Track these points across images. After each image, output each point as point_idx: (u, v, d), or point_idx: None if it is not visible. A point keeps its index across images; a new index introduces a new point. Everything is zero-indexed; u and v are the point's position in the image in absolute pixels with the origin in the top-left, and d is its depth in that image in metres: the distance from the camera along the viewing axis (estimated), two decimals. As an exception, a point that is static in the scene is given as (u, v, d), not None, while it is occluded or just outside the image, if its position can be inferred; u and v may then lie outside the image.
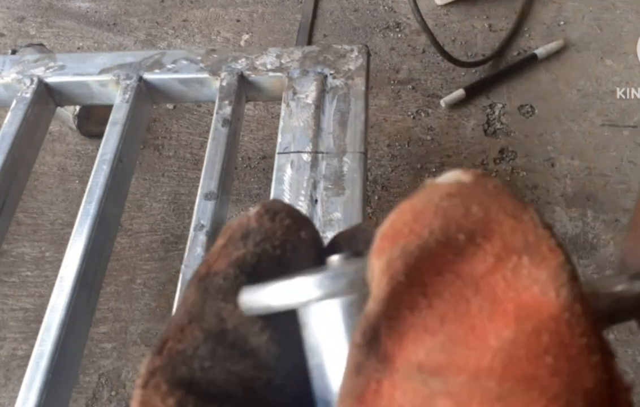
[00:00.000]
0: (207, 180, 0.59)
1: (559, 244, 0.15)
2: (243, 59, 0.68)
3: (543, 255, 0.14)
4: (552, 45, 1.00)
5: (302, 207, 0.55)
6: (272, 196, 0.56)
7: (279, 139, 0.60)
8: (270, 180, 0.58)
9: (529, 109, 0.94)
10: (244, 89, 0.68)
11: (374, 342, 0.14)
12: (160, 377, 0.16)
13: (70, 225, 0.58)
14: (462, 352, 0.13)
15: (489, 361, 0.13)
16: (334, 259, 0.19)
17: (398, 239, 0.15)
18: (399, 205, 0.16)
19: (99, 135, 0.66)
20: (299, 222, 0.20)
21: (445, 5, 1.09)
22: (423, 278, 0.15)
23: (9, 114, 0.66)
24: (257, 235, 0.19)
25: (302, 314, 0.18)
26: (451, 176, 0.17)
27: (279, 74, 0.66)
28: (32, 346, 0.51)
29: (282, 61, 0.67)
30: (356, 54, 0.67)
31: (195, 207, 0.57)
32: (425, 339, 0.14)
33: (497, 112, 0.94)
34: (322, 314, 0.17)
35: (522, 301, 0.14)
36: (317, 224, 0.53)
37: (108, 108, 0.67)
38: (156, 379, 0.16)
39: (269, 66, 0.67)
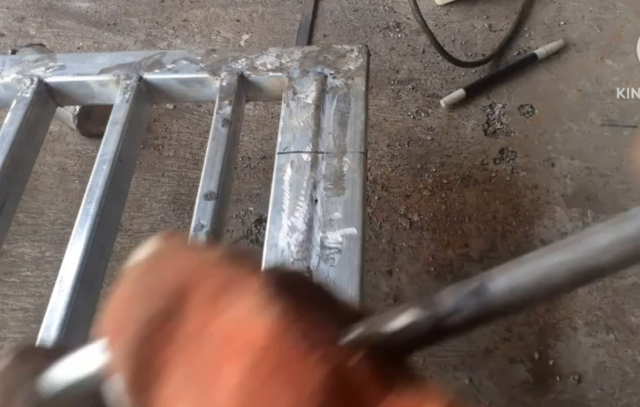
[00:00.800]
0: (207, 180, 0.59)
1: (253, 270, 0.16)
2: (243, 59, 0.68)
3: (243, 285, 0.15)
4: (552, 45, 1.00)
5: (302, 207, 0.55)
6: (272, 196, 0.56)
7: (279, 139, 0.60)
8: (270, 180, 0.58)
9: (529, 109, 0.94)
10: (244, 89, 0.68)
11: None
12: None
13: (70, 225, 0.58)
14: (204, 387, 0.14)
15: (226, 397, 0.14)
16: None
17: (121, 331, 0.17)
18: (111, 298, 0.18)
19: (99, 135, 0.66)
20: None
21: (445, 5, 1.09)
22: (154, 351, 0.16)
23: (9, 114, 0.66)
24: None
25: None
26: (143, 252, 0.18)
27: (279, 74, 0.66)
28: (32, 346, 0.51)
29: (282, 61, 0.67)
30: (356, 54, 0.67)
31: (195, 207, 0.57)
32: (170, 383, 0.15)
33: (497, 112, 0.94)
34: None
35: (243, 332, 0.15)
36: (317, 224, 0.53)
37: (108, 108, 0.67)
38: None
39: (269, 66, 0.67)
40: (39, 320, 0.52)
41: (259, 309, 0.15)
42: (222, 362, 0.14)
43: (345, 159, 0.58)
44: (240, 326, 0.15)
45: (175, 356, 0.15)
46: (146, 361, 0.16)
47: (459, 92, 0.95)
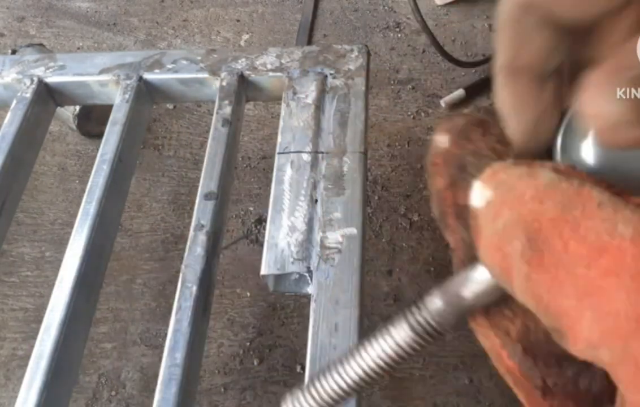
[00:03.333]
0: (207, 180, 0.59)
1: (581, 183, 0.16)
2: (243, 59, 0.68)
3: (584, 203, 0.15)
4: (552, 45, 0.99)
5: (302, 207, 0.55)
6: (272, 196, 0.56)
7: (279, 139, 0.60)
8: (270, 180, 0.58)
9: (529, 109, 0.94)
10: (244, 89, 0.68)
11: None
12: None
13: (70, 225, 0.58)
14: (596, 301, 0.14)
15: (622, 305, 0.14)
16: None
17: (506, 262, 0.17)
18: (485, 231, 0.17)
19: (99, 135, 0.66)
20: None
21: (445, 5, 1.09)
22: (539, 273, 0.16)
23: (9, 114, 0.66)
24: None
25: None
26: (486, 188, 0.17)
27: (279, 74, 0.66)
28: (32, 346, 0.51)
29: (282, 61, 0.67)
30: (356, 54, 0.67)
31: (195, 207, 0.57)
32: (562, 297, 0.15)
33: (497, 112, 0.94)
34: None
35: (608, 249, 0.15)
36: (317, 224, 0.53)
37: (108, 108, 0.67)
38: None
39: (269, 66, 0.67)
40: (39, 320, 0.52)
41: (611, 224, 0.14)
42: (601, 277, 0.14)
43: (345, 159, 0.58)
44: (601, 245, 0.14)
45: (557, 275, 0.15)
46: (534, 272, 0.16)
47: (459, 92, 0.95)
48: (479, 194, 0.17)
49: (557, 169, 0.16)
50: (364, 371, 0.22)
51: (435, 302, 0.20)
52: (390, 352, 0.21)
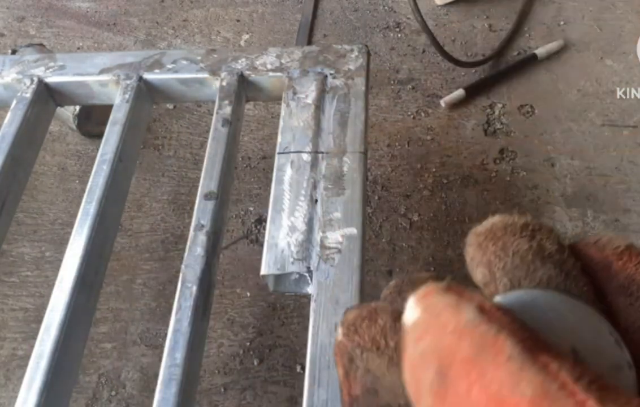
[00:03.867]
0: (207, 180, 0.59)
1: (500, 328, 0.16)
2: (243, 59, 0.68)
3: (493, 352, 0.16)
4: (552, 45, 1.00)
5: (302, 207, 0.55)
6: (272, 196, 0.56)
7: (279, 139, 0.60)
8: (270, 180, 0.58)
9: (529, 109, 0.94)
10: (244, 89, 0.68)
11: None
12: None
13: (70, 225, 0.58)
14: None
15: None
16: None
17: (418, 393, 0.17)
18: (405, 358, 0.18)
19: (99, 135, 0.66)
20: None
21: (445, 5, 1.09)
22: None
23: (9, 114, 0.66)
24: None
25: None
26: (412, 314, 0.18)
27: (279, 74, 0.66)
28: (32, 346, 0.51)
29: (282, 61, 0.67)
30: (356, 54, 0.67)
31: (195, 207, 0.57)
32: None
33: (497, 112, 0.94)
34: None
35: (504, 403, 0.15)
36: (317, 224, 0.53)
37: (108, 108, 0.67)
38: None
39: (269, 66, 0.67)
40: (39, 320, 0.52)
41: (514, 380, 0.15)
42: None
43: (345, 159, 0.58)
44: (500, 398, 0.15)
45: None
46: None
47: (459, 92, 0.95)
48: (410, 312, 0.18)
49: (482, 308, 0.16)
50: None
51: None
52: None
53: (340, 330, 0.22)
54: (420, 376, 0.16)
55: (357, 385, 0.21)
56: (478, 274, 0.21)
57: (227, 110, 0.63)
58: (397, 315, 0.21)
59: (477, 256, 0.21)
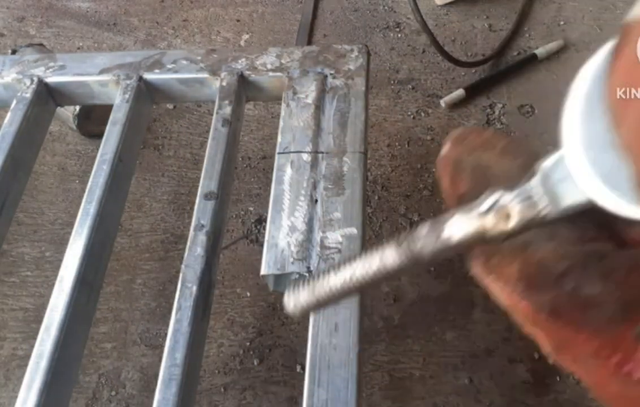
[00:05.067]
0: (207, 180, 0.59)
1: None
2: (243, 59, 0.68)
3: None
4: (552, 45, 1.00)
5: (302, 207, 0.55)
6: (272, 196, 0.56)
7: (279, 139, 0.60)
8: (270, 180, 0.58)
9: (529, 109, 0.94)
10: (244, 89, 0.68)
11: None
12: None
13: (70, 225, 0.58)
14: None
15: None
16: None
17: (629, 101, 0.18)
18: (615, 67, 0.18)
19: (99, 135, 0.66)
20: None
21: (445, 5, 1.09)
22: None
23: (9, 114, 0.66)
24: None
25: None
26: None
27: (279, 74, 0.66)
28: (32, 346, 0.51)
29: (282, 61, 0.67)
30: (356, 54, 0.67)
31: (195, 207, 0.57)
32: None
33: (497, 112, 0.94)
34: None
35: None
36: (317, 224, 0.53)
37: (108, 108, 0.67)
38: None
39: (269, 66, 0.67)
40: (39, 320, 0.52)
41: None
42: None
43: (345, 159, 0.58)
44: None
45: None
46: None
47: (459, 92, 0.95)
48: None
49: None
50: (354, 277, 0.24)
51: (422, 227, 0.23)
52: (377, 263, 0.23)
53: (445, 147, 0.23)
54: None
55: (463, 183, 0.23)
56: None
57: (227, 110, 0.63)
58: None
59: None
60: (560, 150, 0.21)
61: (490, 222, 0.20)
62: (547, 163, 0.21)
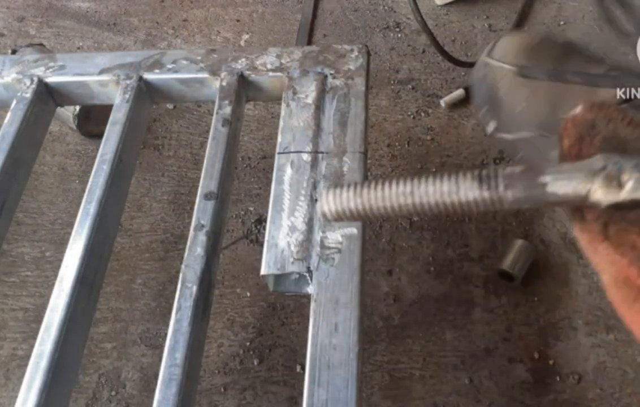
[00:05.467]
0: (207, 180, 0.59)
1: None
2: (243, 59, 0.68)
3: None
4: (552, 45, 0.99)
5: (302, 207, 0.55)
6: (272, 196, 0.56)
7: (279, 139, 0.60)
8: (270, 180, 0.58)
9: (529, 109, 0.94)
10: (244, 89, 0.68)
11: None
12: None
13: (70, 225, 0.58)
14: None
15: None
16: None
17: None
18: None
19: (99, 135, 0.66)
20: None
21: (445, 5, 1.09)
22: None
23: (9, 114, 0.66)
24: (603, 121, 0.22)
25: None
26: None
27: (279, 74, 0.66)
28: (32, 346, 0.51)
29: (282, 61, 0.67)
30: (356, 54, 0.67)
31: (195, 207, 0.57)
32: None
33: (497, 112, 0.94)
34: None
35: None
36: (317, 224, 0.53)
37: (108, 108, 0.67)
38: None
39: (269, 66, 0.67)
40: (39, 320, 0.52)
41: None
42: None
43: (345, 159, 0.58)
44: None
45: None
46: None
47: (459, 92, 0.95)
48: None
49: None
50: (419, 199, 0.22)
51: (513, 168, 0.20)
52: (447, 190, 0.21)
53: (579, 107, 0.22)
54: None
55: (591, 147, 0.21)
56: None
57: (227, 110, 0.63)
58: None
59: None
60: None
61: (599, 186, 0.19)
62: None
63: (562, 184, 0.19)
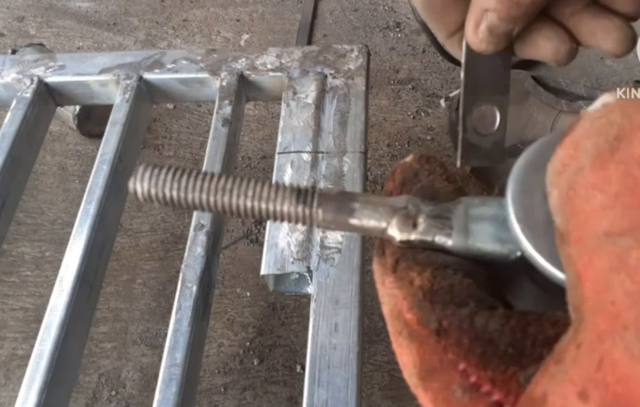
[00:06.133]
0: (207, 180, 0.58)
1: None
2: (243, 59, 0.68)
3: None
4: (552, 45, 0.99)
5: (302, 207, 0.55)
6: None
7: (279, 139, 0.60)
8: (270, 180, 0.57)
9: (529, 109, 0.94)
10: (244, 89, 0.68)
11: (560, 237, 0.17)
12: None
13: (70, 225, 0.58)
14: None
15: None
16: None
17: (565, 168, 0.17)
18: (563, 141, 0.18)
19: (99, 135, 0.66)
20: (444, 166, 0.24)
21: (445, 5, 1.09)
22: (590, 180, 0.16)
23: (9, 114, 0.66)
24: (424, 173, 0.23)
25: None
26: (597, 102, 0.18)
27: (279, 73, 0.66)
28: (32, 346, 0.51)
29: (282, 61, 0.67)
30: (356, 54, 0.67)
31: (195, 207, 0.57)
32: (605, 213, 0.15)
33: (497, 112, 0.94)
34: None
35: None
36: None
37: (108, 108, 0.67)
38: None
39: (269, 66, 0.67)
40: (39, 320, 0.52)
41: None
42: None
43: (345, 159, 0.58)
44: None
45: (609, 180, 0.16)
46: (582, 185, 0.16)
47: (459, 92, 0.95)
48: (600, 100, 0.17)
49: None
50: (237, 198, 0.22)
51: (329, 191, 0.21)
52: (267, 197, 0.21)
53: (411, 157, 0.23)
54: (591, 143, 0.16)
55: (412, 190, 0.22)
56: None
57: (227, 110, 0.63)
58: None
59: None
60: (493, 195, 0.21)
61: (396, 222, 0.20)
62: (476, 199, 0.20)
63: (366, 214, 0.20)
